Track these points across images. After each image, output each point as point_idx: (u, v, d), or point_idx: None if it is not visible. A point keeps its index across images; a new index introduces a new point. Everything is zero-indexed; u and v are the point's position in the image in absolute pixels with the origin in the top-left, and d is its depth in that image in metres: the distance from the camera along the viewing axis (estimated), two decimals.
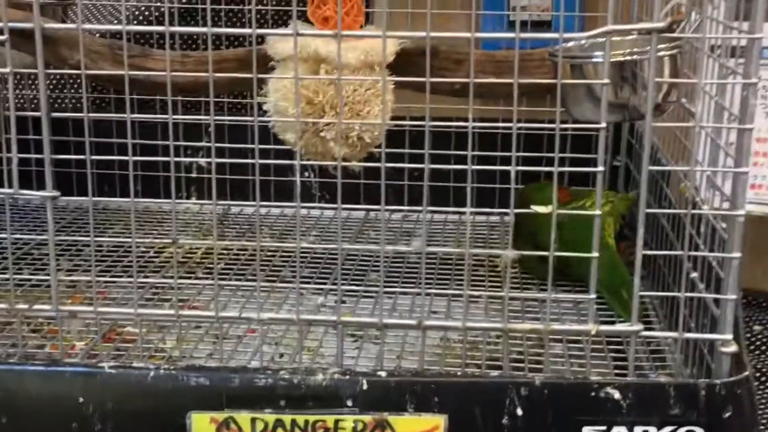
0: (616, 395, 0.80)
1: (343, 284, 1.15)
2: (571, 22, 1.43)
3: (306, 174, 1.49)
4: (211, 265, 1.25)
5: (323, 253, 1.28)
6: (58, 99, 1.51)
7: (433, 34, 0.79)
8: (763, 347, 1.29)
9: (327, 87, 0.96)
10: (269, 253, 1.29)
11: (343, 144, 0.97)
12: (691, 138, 1.02)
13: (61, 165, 1.43)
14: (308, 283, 1.19)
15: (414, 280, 1.19)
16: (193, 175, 1.49)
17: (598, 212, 0.80)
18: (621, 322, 1.03)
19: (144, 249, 1.29)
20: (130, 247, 1.27)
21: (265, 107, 0.99)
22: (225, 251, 1.30)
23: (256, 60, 1.01)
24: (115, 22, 1.47)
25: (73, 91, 1.50)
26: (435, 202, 1.28)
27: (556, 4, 1.47)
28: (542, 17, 1.49)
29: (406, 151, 1.35)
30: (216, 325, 1.07)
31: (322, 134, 0.98)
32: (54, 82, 1.51)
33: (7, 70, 0.83)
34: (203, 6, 1.46)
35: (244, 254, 1.29)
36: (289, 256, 1.27)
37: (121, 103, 1.46)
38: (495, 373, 0.87)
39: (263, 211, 1.47)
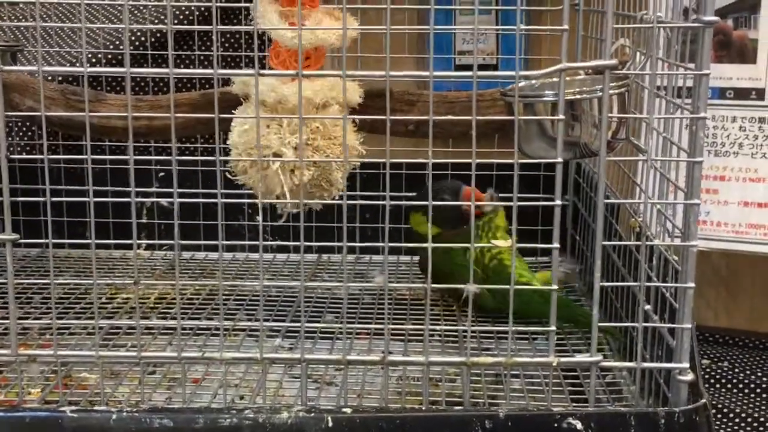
0: (579, 425, 0.81)
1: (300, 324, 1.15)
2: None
3: (257, 218, 1.49)
4: (164, 311, 1.25)
5: (277, 297, 1.28)
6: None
7: (392, 73, 0.80)
8: (712, 380, 1.32)
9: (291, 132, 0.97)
10: (223, 297, 1.28)
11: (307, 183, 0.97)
12: (640, 174, 1.05)
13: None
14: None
15: (370, 320, 1.19)
16: (144, 220, 1.48)
17: (556, 245, 0.82)
18: (578, 353, 1.05)
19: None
20: (81, 293, 1.27)
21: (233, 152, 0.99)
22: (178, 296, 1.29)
23: (212, 103, 1.02)
24: (67, 65, 1.46)
25: (27, 138, 1.49)
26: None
27: (503, 48, 1.51)
28: (487, 60, 1.52)
29: (358, 192, 1.37)
30: (173, 368, 1.07)
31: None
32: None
33: None
34: (153, 51, 1.47)
35: (197, 298, 1.28)
36: (243, 300, 1.27)
37: (67, 150, 1.46)
38: (459, 407, 0.88)
39: (214, 255, 1.47)
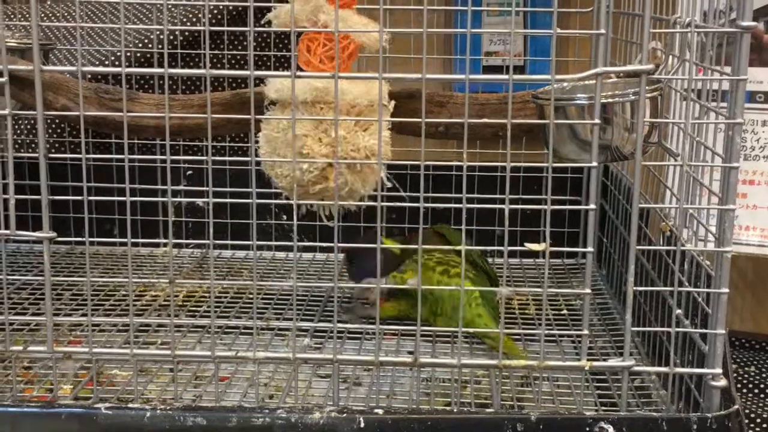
0: (611, 430, 0.81)
1: (328, 324, 1.15)
2: (544, 67, 1.46)
3: (284, 217, 1.49)
4: (193, 309, 1.25)
5: (304, 296, 1.29)
6: (32, 143, 1.51)
7: (428, 75, 0.81)
8: (738, 386, 1.31)
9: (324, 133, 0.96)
10: (250, 295, 1.29)
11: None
12: (670, 178, 1.05)
13: (37, 209, 1.43)
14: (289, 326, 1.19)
15: (398, 320, 1.19)
16: (171, 218, 1.49)
17: (590, 249, 0.82)
18: (606, 356, 1.05)
19: (125, 293, 1.28)
20: (109, 290, 1.28)
21: (260, 153, 0.98)
22: (207, 294, 1.29)
23: (244, 103, 1.02)
24: (97, 64, 1.47)
25: (55, 135, 1.50)
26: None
27: (531, 50, 1.51)
28: (514, 62, 1.52)
29: (385, 193, 1.37)
30: (202, 366, 1.08)
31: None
32: (33, 124, 1.51)
33: (6, 112, 0.83)
34: (182, 51, 1.47)
35: (225, 297, 1.29)
36: (271, 299, 1.28)
37: (94, 148, 1.47)
38: (489, 409, 0.88)
39: (240, 254, 1.48)
